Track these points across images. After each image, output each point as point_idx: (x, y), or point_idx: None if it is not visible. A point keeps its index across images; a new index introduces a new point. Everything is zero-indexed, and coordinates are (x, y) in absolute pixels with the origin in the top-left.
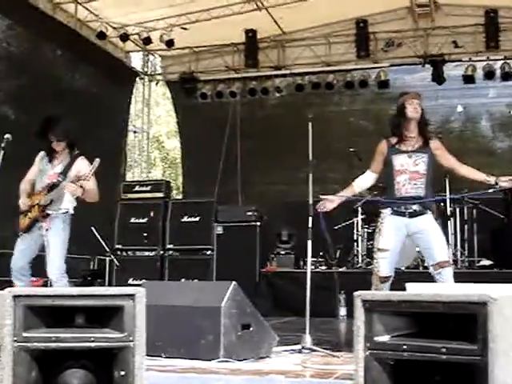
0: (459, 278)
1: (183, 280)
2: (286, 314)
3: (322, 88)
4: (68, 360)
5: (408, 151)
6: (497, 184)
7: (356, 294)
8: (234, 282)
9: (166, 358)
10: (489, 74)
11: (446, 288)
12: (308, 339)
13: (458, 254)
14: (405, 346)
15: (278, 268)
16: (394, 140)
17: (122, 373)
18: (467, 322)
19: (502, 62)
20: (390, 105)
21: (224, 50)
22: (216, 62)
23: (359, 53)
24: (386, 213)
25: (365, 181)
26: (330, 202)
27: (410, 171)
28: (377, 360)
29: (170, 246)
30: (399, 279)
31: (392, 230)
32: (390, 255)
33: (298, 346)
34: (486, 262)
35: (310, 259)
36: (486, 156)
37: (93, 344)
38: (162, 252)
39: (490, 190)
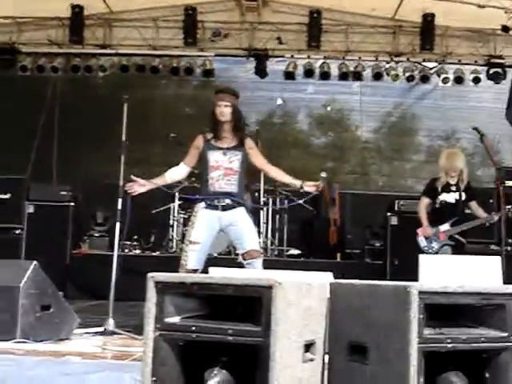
0: (269, 265)
1: None
2: (96, 296)
3: (146, 71)
4: None
5: (223, 148)
6: (302, 188)
7: (149, 275)
8: (34, 262)
9: None
10: (308, 72)
11: (237, 272)
12: (111, 322)
13: (269, 242)
14: (194, 328)
15: (91, 250)
16: (209, 135)
17: None
18: (254, 304)
19: (322, 61)
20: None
21: (48, 23)
22: (39, 35)
23: (186, 40)
24: (200, 206)
25: (177, 173)
26: (141, 186)
27: (225, 167)
28: (166, 341)
29: None
30: (210, 265)
31: (204, 224)
32: (200, 248)
33: (101, 329)
34: (294, 251)
35: (117, 241)
36: (302, 150)
37: None
38: None
39: (301, 201)
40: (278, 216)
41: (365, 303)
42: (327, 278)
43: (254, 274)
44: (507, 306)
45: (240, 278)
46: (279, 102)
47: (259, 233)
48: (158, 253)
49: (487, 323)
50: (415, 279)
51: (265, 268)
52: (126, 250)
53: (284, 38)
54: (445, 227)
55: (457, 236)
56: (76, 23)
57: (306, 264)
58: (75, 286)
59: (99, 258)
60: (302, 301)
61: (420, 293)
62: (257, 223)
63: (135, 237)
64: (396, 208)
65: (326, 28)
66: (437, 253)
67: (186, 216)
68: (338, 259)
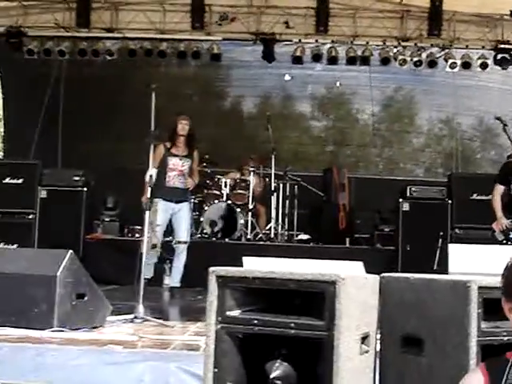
0: (279, 250)
1: (2, 245)
2: (108, 281)
3: (154, 55)
4: None
5: (178, 155)
6: None
7: (210, 269)
8: (70, 251)
9: None
10: (316, 57)
11: (295, 265)
12: (141, 309)
13: (279, 227)
14: (255, 321)
15: (103, 235)
16: (168, 145)
17: None
18: (316, 299)
19: (330, 46)
20: (218, 71)
21: (55, 6)
22: (45, 18)
23: (194, 24)
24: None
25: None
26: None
27: (179, 170)
28: (227, 334)
29: None
30: None
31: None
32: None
33: (131, 316)
34: (303, 237)
35: (146, 230)
36: (303, 133)
37: None
38: None
39: None
40: (287, 201)
41: (420, 297)
42: (359, 267)
43: (311, 268)
44: None
45: (301, 274)
46: (287, 77)
47: (270, 217)
48: (170, 237)
49: None
50: (428, 265)
51: (275, 253)
52: (137, 235)
53: (291, 22)
54: None
55: None
56: (82, 7)
57: (315, 250)
58: (88, 271)
59: (111, 243)
60: (360, 295)
61: (479, 288)
62: (268, 207)
63: None
64: (408, 194)
65: (333, 12)
66: None
67: (196, 201)
68: (348, 244)
